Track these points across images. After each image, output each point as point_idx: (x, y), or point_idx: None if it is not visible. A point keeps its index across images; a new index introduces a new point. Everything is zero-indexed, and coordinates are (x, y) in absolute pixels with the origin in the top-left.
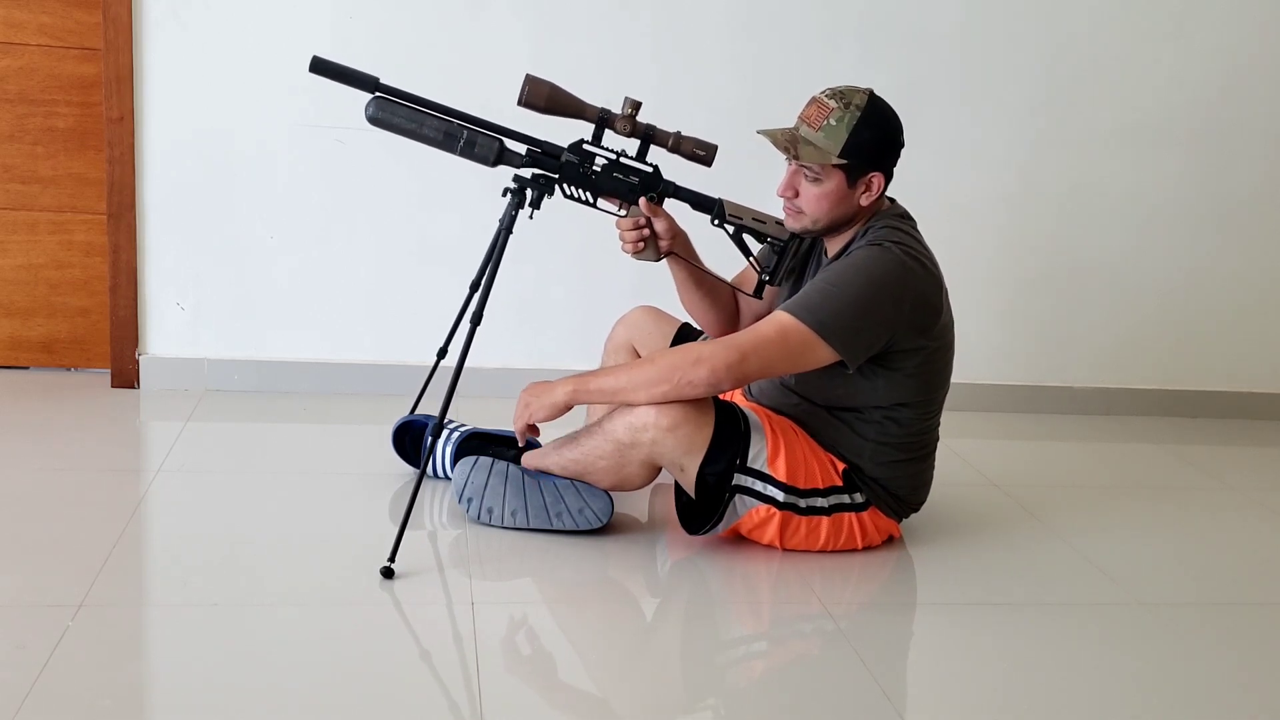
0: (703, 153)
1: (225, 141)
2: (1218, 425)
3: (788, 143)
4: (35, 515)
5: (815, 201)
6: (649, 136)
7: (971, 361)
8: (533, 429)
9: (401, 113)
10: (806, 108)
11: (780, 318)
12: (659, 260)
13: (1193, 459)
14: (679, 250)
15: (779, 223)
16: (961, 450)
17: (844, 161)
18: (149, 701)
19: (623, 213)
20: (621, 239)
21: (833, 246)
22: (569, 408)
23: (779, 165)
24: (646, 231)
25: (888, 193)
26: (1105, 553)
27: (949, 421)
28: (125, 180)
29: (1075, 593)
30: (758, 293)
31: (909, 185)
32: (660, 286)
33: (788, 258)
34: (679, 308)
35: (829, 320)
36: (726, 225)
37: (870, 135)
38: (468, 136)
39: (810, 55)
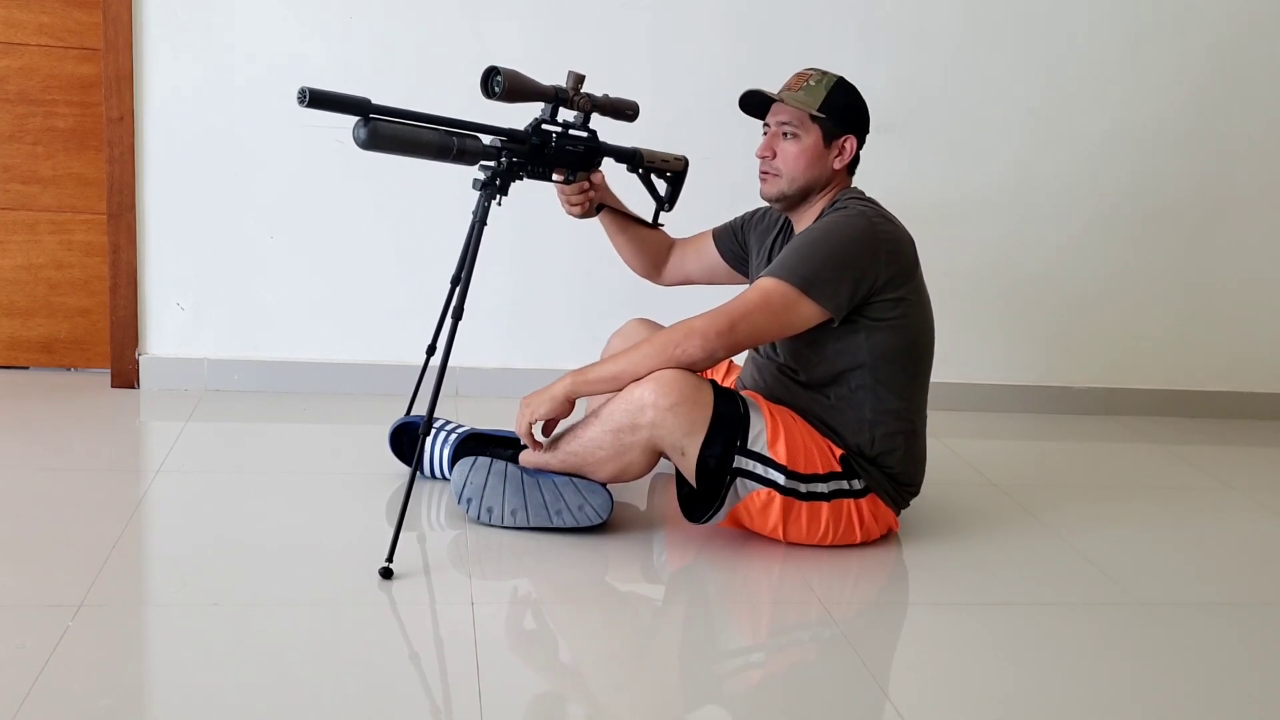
0: (630, 112)
1: (225, 141)
2: (1218, 425)
3: (772, 94)
4: (35, 515)
5: (793, 160)
6: (593, 106)
7: (971, 361)
8: (535, 443)
9: (396, 134)
10: (787, 80)
11: (761, 282)
12: (595, 216)
13: (1193, 459)
14: (607, 200)
15: (675, 157)
16: (961, 450)
17: (822, 116)
18: (149, 701)
19: (568, 180)
20: (568, 203)
21: (800, 225)
22: (569, 401)
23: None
24: (593, 194)
25: (855, 183)
26: (1105, 553)
27: (949, 421)
28: (125, 180)
29: (1075, 593)
30: (654, 218)
31: (910, 185)
32: (656, 288)
33: (682, 186)
34: (673, 316)
35: (809, 274)
36: (642, 169)
37: (844, 99)
38: (459, 142)
39: (810, 56)
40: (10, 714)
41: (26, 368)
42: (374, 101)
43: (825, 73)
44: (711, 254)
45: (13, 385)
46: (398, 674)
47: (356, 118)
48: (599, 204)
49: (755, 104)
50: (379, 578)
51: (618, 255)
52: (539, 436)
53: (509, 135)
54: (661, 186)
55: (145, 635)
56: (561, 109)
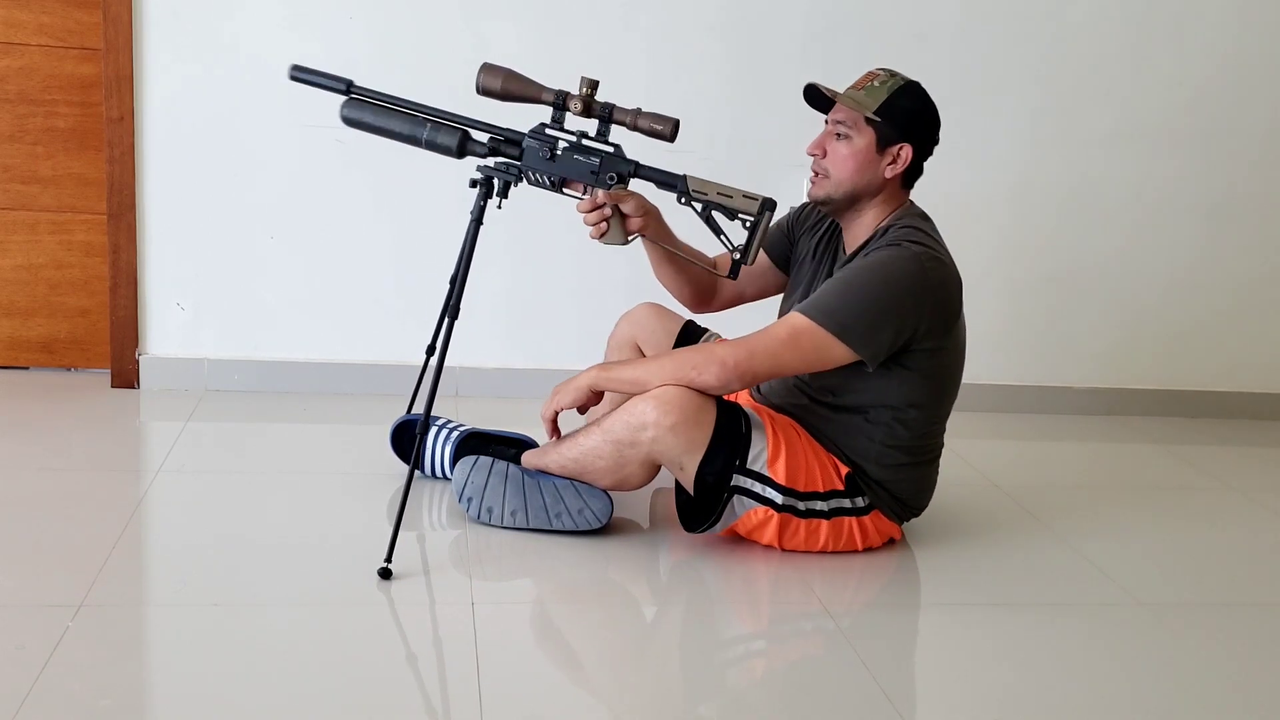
0: (660, 127)
1: (225, 141)
2: (1218, 425)
3: (831, 91)
4: (35, 515)
5: (842, 162)
6: (608, 116)
7: (971, 361)
8: (555, 426)
9: (370, 111)
10: (858, 78)
11: (794, 319)
12: (626, 243)
13: (1193, 459)
14: (651, 232)
15: (747, 196)
16: (961, 450)
17: (878, 120)
18: (149, 701)
19: (584, 196)
20: (585, 223)
21: (851, 237)
22: (593, 393)
23: (775, 164)
24: (608, 213)
25: (911, 195)
26: (1105, 553)
27: (950, 421)
28: (125, 180)
29: (1075, 593)
30: (733, 274)
31: None
32: (657, 284)
33: (759, 233)
34: (681, 305)
35: (847, 321)
36: (694, 203)
37: (907, 104)
38: (431, 129)
39: (809, 55)
40: (10, 714)
41: (26, 368)
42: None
43: (895, 74)
44: (764, 263)
45: (13, 385)
46: (397, 674)
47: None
48: (638, 231)
49: (819, 98)
50: (379, 578)
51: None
52: (576, 422)
53: (504, 136)
54: (729, 226)
55: (145, 635)
56: (580, 118)
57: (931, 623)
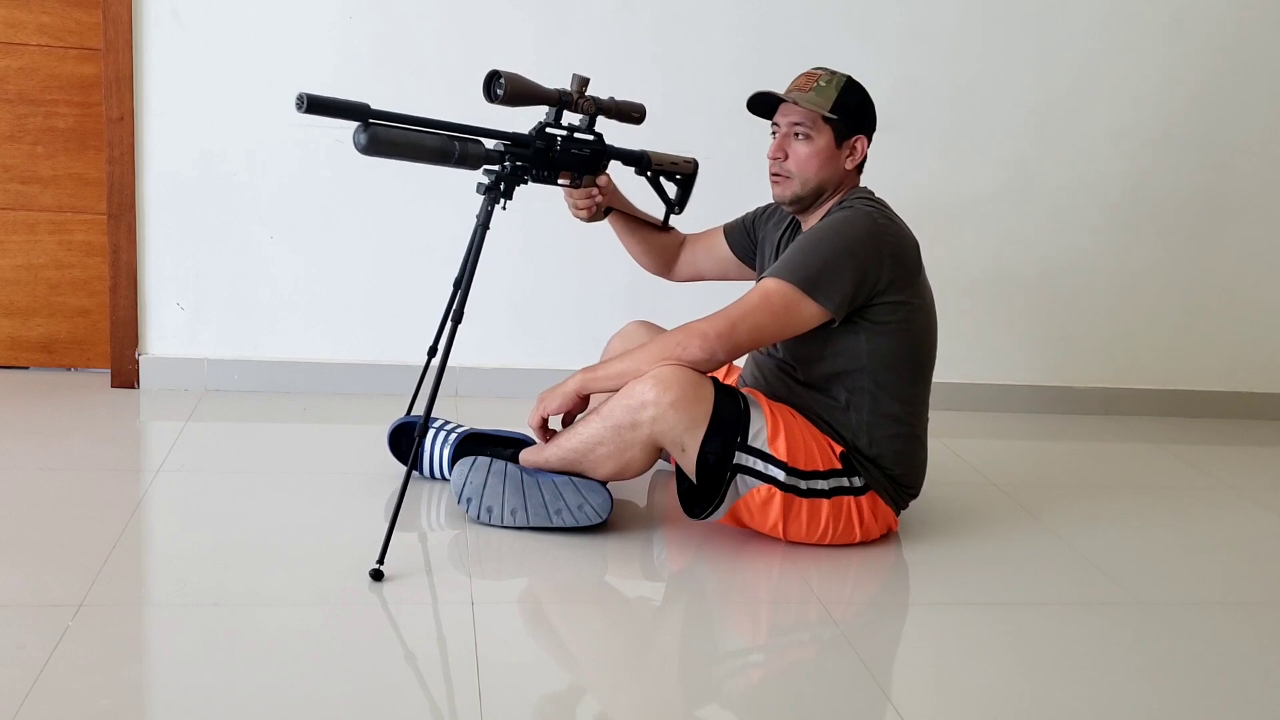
0: (635, 113)
1: (225, 141)
2: (1218, 425)
3: (787, 95)
4: (35, 515)
5: (805, 161)
6: (598, 109)
7: (971, 361)
8: (545, 432)
9: (395, 137)
10: (795, 80)
11: (764, 284)
12: (603, 219)
13: (1193, 459)
14: (616, 203)
15: (685, 160)
16: (961, 450)
17: (834, 117)
18: (149, 701)
19: (575, 184)
20: (575, 207)
21: (808, 223)
22: (580, 397)
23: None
24: (600, 197)
25: (863, 182)
26: (1105, 553)
27: (949, 421)
28: (125, 180)
29: (1075, 592)
30: (664, 223)
31: (908, 184)
32: (657, 284)
33: (691, 188)
34: (673, 319)
35: (810, 275)
36: (648, 173)
37: (854, 99)
38: (460, 149)
39: (810, 54)
40: (10, 714)
41: (26, 368)
42: (373, 106)
43: (834, 72)
44: (723, 250)
45: (13, 385)
46: (397, 674)
47: (356, 123)
48: (607, 207)
49: (762, 104)
50: (371, 580)
51: (627, 254)
52: (554, 426)
53: (513, 139)
54: (671, 189)
55: (145, 635)
56: (567, 112)
57: (931, 622)
